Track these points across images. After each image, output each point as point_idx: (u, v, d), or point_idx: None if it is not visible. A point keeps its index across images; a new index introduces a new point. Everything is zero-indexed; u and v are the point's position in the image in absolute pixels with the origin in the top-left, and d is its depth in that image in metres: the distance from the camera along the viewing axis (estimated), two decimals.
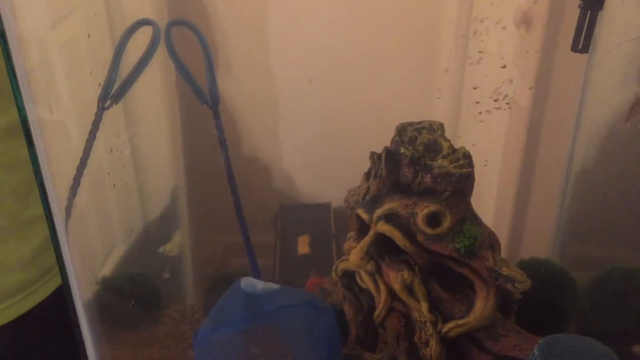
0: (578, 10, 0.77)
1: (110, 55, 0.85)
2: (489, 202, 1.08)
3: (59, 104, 0.85)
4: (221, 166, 1.02)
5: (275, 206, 1.18)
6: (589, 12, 0.71)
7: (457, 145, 0.74)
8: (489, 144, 1.05)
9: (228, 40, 1.02)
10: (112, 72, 0.83)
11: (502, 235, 0.99)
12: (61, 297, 0.83)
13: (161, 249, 1.12)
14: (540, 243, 1.10)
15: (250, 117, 1.12)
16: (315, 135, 1.13)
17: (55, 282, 1.01)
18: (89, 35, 0.88)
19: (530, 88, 0.97)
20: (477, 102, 1.00)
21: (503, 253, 0.74)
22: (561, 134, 1.04)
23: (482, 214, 0.74)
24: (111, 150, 0.92)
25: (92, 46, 0.92)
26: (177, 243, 1.16)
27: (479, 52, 0.97)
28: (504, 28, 0.92)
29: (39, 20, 0.80)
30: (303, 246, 1.11)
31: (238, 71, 1.06)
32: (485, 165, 1.02)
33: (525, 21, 0.91)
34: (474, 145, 0.82)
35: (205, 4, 0.99)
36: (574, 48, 0.73)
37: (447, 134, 0.75)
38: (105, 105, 0.83)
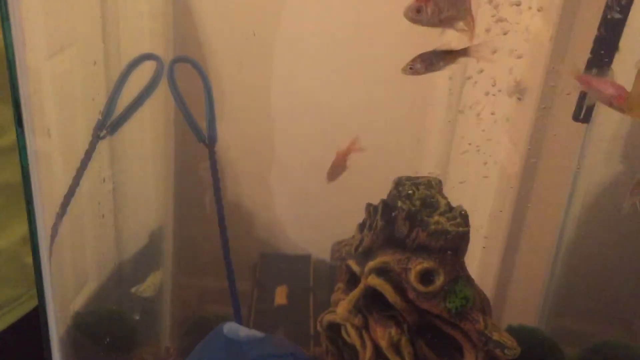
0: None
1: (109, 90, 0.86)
2: (472, 265, 1.07)
3: (52, 132, 0.84)
4: (205, 208, 1.00)
5: (254, 254, 1.16)
6: None
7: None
8: (475, 206, 1.04)
9: (224, 82, 1.02)
10: (111, 102, 0.83)
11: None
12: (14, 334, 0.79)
13: (133, 290, 1.08)
14: (525, 312, 1.09)
15: (236, 162, 1.11)
16: (301, 187, 1.12)
17: (12, 317, 0.97)
18: (94, 62, 0.87)
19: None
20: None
21: None
22: (553, 204, 1.04)
23: None
24: (104, 180, 0.91)
25: (91, 78, 0.92)
26: (153, 284, 1.13)
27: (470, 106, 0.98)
28: (494, 95, 0.93)
29: (37, 51, 0.80)
30: (280, 297, 1.09)
31: (229, 114, 1.06)
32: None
33: (517, 90, 0.92)
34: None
35: (209, 43, 1.00)
36: (575, 118, 0.73)
37: None
38: (101, 135, 0.82)
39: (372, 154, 1.06)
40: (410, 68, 0.70)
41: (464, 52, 0.69)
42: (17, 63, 0.59)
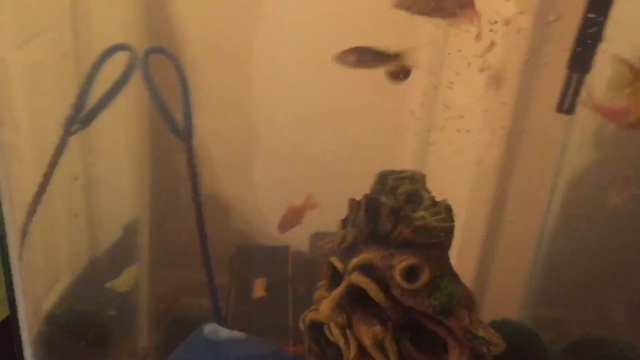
0: (551, 70, 0.77)
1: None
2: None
3: (21, 127, 0.81)
4: (180, 201, 0.98)
5: (231, 246, 1.14)
6: (576, 74, 0.71)
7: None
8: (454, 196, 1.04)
9: (202, 69, 0.99)
10: (82, 95, 0.79)
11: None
12: None
13: (108, 285, 1.06)
14: (507, 303, 1.09)
15: (212, 152, 1.09)
16: (277, 177, 1.11)
17: None
18: (64, 54, 0.84)
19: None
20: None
21: None
22: (534, 195, 1.03)
23: None
24: (76, 178, 0.88)
25: (61, 69, 0.89)
26: (129, 278, 1.10)
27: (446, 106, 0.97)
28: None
29: (3, 40, 0.76)
30: (259, 289, 1.08)
31: (205, 104, 1.03)
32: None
33: (495, 80, 0.91)
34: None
35: (184, 32, 0.97)
36: (560, 109, 0.73)
37: None
38: (72, 129, 0.79)
39: (352, 146, 1.05)
40: (342, 59, 0.69)
41: (396, 57, 0.68)
42: None
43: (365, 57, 0.69)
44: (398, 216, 0.69)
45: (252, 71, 1.01)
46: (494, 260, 1.08)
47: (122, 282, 1.08)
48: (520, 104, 0.93)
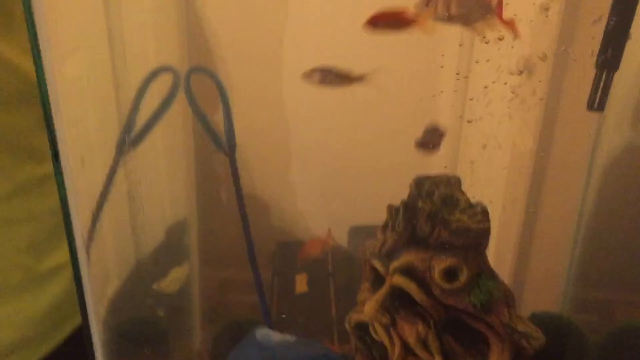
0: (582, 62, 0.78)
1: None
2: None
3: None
4: (225, 203, 1.02)
5: (272, 243, 1.18)
6: (605, 72, 0.72)
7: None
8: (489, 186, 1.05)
9: (238, 77, 1.03)
10: (131, 117, 0.84)
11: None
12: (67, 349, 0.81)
13: (155, 285, 1.10)
14: (547, 291, 1.10)
15: (248, 153, 1.13)
16: (315, 174, 1.14)
17: (62, 334, 1.00)
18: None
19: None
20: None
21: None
22: (570, 182, 1.04)
23: None
24: (132, 198, 0.92)
25: (102, 84, 0.93)
26: (176, 279, 1.15)
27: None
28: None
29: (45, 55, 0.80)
30: (301, 285, 1.11)
31: (240, 107, 1.07)
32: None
33: (527, 67, 0.92)
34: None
35: (223, 48, 1.01)
36: (590, 107, 0.74)
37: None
38: (124, 150, 0.84)
39: (386, 146, 1.07)
40: (308, 75, 0.72)
41: (358, 79, 0.71)
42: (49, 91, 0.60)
43: (328, 76, 0.73)
44: (436, 219, 0.72)
45: (286, 80, 1.05)
46: (532, 249, 1.09)
47: (170, 282, 1.12)
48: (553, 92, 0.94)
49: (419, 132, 1.08)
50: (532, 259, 1.09)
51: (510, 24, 0.63)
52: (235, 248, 1.02)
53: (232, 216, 1.02)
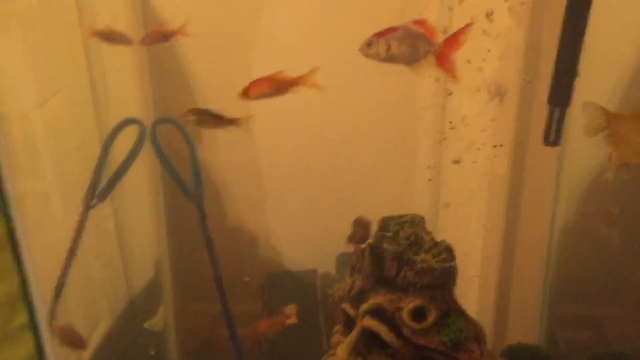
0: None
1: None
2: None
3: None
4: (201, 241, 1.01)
5: (261, 274, 1.18)
6: (557, 108, 0.74)
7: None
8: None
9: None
10: (98, 170, 0.85)
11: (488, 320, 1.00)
12: None
13: (146, 324, 1.10)
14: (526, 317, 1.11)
15: (234, 186, 1.14)
16: (300, 204, 1.16)
17: None
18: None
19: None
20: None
21: (490, 337, 0.75)
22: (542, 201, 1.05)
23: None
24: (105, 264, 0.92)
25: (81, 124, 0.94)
26: (162, 318, 1.15)
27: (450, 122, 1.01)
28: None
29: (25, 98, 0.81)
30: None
31: (223, 141, 1.08)
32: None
33: (499, 93, 0.95)
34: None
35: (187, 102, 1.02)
36: (546, 141, 0.76)
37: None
38: (91, 204, 0.84)
39: (369, 169, 1.08)
40: (183, 115, 0.75)
41: (233, 122, 0.75)
42: None
43: (203, 117, 0.76)
44: (401, 260, 0.73)
45: (264, 115, 1.06)
46: (512, 277, 1.10)
47: (158, 320, 1.12)
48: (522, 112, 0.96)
49: (399, 160, 1.10)
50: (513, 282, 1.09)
51: (448, 67, 0.65)
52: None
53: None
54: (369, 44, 0.65)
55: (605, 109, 0.60)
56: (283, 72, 0.71)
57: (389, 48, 0.65)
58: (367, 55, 0.65)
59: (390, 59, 0.65)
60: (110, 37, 0.84)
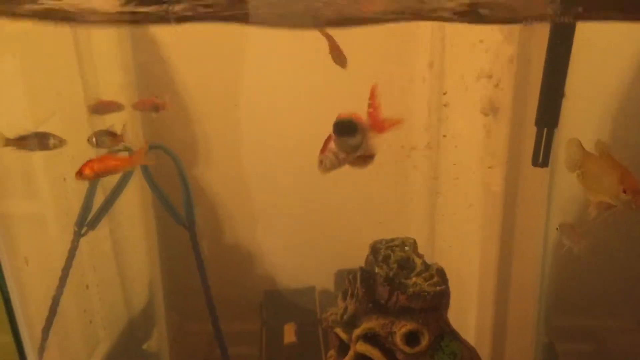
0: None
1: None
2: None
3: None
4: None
5: (259, 292, 1.18)
6: (545, 129, 0.75)
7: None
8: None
9: (208, 128, 1.04)
10: (88, 199, 0.85)
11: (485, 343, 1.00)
12: None
13: (145, 346, 1.10)
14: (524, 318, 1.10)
15: (231, 203, 1.14)
16: (297, 220, 1.16)
17: None
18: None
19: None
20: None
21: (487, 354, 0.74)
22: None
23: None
24: (87, 287, 0.92)
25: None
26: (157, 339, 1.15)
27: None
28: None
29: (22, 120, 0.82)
30: (289, 335, 1.10)
31: (218, 159, 1.08)
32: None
33: (492, 109, 0.96)
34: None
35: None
36: (535, 163, 0.76)
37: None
38: (82, 232, 0.84)
39: (366, 185, 1.09)
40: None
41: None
42: None
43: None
44: (393, 284, 0.73)
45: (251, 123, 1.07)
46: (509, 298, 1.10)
47: (155, 342, 1.12)
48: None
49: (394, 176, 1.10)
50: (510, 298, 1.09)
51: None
52: (220, 304, 1.02)
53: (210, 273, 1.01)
54: (320, 162, 0.65)
55: (582, 147, 0.60)
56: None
57: (336, 156, 0.65)
58: (327, 172, 0.66)
59: (345, 161, 0.66)
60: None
